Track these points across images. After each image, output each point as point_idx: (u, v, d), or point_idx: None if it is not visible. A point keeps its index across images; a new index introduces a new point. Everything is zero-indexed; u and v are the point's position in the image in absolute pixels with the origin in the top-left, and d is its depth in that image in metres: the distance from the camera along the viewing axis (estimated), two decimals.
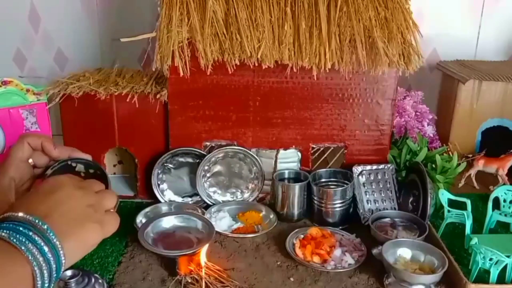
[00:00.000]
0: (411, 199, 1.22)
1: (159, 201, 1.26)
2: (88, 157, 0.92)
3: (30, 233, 0.56)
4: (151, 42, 1.20)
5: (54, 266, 0.57)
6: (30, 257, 0.55)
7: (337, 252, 1.05)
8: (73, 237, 0.61)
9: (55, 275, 0.58)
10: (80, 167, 0.95)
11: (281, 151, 1.26)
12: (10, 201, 0.81)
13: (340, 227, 1.17)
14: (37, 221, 0.57)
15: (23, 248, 0.55)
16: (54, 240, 0.58)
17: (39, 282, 0.55)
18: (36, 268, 0.55)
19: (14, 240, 0.55)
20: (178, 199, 1.28)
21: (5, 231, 0.56)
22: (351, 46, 1.14)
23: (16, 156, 0.85)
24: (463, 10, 1.63)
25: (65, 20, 1.66)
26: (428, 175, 1.14)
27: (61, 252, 0.58)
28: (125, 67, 1.40)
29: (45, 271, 0.56)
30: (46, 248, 0.56)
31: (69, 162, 0.93)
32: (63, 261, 0.58)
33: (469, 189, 1.36)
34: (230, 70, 1.15)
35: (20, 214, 0.58)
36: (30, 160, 0.87)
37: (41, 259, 0.56)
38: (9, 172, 0.84)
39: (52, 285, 0.57)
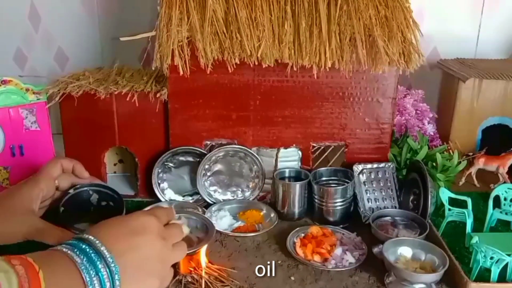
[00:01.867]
0: (411, 197, 1.22)
1: (159, 200, 1.26)
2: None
3: (100, 266, 0.57)
4: (151, 41, 1.20)
5: None
6: None
7: (338, 251, 1.04)
8: (133, 286, 0.62)
9: None
10: (94, 197, 1.07)
11: (282, 150, 1.26)
12: (34, 210, 0.88)
13: (341, 226, 1.16)
14: (111, 260, 0.59)
15: (87, 279, 0.56)
16: (117, 284, 0.58)
17: None
18: None
19: (83, 269, 0.56)
20: (179, 198, 1.28)
21: (80, 255, 0.57)
22: (351, 45, 1.13)
23: (49, 172, 0.95)
24: (463, 8, 1.63)
25: (65, 19, 1.66)
26: (428, 173, 1.14)
27: None
28: (125, 66, 1.40)
29: None
30: (107, 285, 0.57)
31: (89, 189, 1.06)
32: None
33: (470, 187, 1.36)
34: (230, 69, 1.15)
35: (99, 244, 0.59)
36: (56, 181, 0.96)
37: None
38: (41, 184, 0.91)
39: None
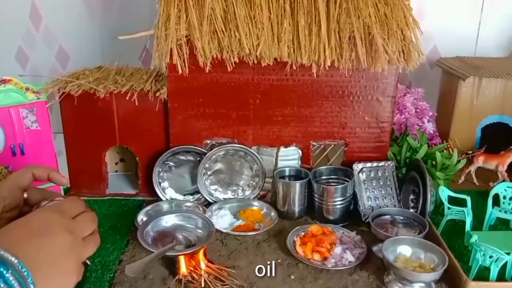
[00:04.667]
0: (411, 196, 1.22)
1: (160, 199, 1.26)
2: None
3: (7, 275, 0.53)
4: (150, 39, 1.19)
5: None
6: None
7: (338, 249, 1.05)
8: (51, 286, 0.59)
9: None
10: None
11: (282, 149, 1.26)
12: None
13: (341, 225, 1.17)
14: (19, 266, 0.55)
15: None
16: None
17: None
18: None
19: None
20: (179, 197, 1.28)
21: None
22: (351, 43, 1.13)
23: (15, 180, 0.83)
24: (463, 7, 1.63)
25: (66, 18, 1.66)
26: (428, 172, 1.14)
27: None
28: (126, 66, 1.40)
29: None
30: None
31: None
32: None
33: (469, 185, 1.37)
34: (229, 67, 1.15)
35: (2, 252, 0.54)
36: (25, 195, 0.83)
37: None
38: (2, 191, 0.80)
39: None
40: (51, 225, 0.63)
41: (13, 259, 0.55)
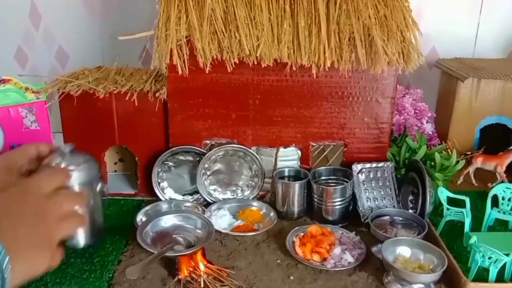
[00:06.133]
0: (410, 197, 1.22)
1: (159, 199, 1.26)
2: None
3: None
4: (150, 40, 1.19)
5: None
6: None
7: (337, 250, 1.05)
8: (24, 262, 0.58)
9: None
10: None
11: (281, 149, 1.26)
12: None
13: (340, 225, 1.17)
14: None
15: None
16: (4, 264, 0.54)
17: None
18: None
19: None
20: (179, 197, 1.28)
21: None
22: (351, 45, 1.14)
23: (24, 149, 0.79)
24: (462, 8, 1.63)
25: (65, 17, 1.66)
26: (427, 173, 1.14)
27: (6, 275, 0.54)
28: (125, 66, 1.40)
29: None
30: None
31: None
32: (7, 282, 0.55)
33: (468, 186, 1.37)
34: (229, 68, 1.15)
35: None
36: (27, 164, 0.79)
37: None
38: (15, 157, 0.77)
39: None
40: (28, 197, 0.62)
41: None
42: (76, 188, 0.76)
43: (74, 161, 0.76)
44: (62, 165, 0.75)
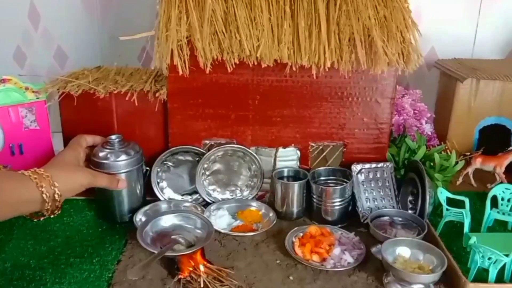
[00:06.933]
0: (409, 197, 1.22)
1: (158, 199, 1.26)
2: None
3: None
4: (150, 40, 1.19)
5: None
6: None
7: (336, 250, 1.05)
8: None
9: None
10: None
11: (280, 149, 1.27)
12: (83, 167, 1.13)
13: (339, 226, 1.17)
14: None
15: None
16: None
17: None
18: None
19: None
20: (178, 197, 1.28)
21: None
22: (351, 45, 1.14)
23: (79, 141, 1.15)
24: (460, 9, 1.64)
25: (65, 17, 1.66)
26: (426, 173, 1.15)
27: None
28: (125, 66, 1.40)
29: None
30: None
31: None
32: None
33: (467, 187, 1.37)
34: (229, 68, 1.15)
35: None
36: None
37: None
38: (78, 148, 1.13)
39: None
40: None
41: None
42: (123, 176, 1.13)
43: (124, 150, 1.15)
44: (112, 156, 1.13)
